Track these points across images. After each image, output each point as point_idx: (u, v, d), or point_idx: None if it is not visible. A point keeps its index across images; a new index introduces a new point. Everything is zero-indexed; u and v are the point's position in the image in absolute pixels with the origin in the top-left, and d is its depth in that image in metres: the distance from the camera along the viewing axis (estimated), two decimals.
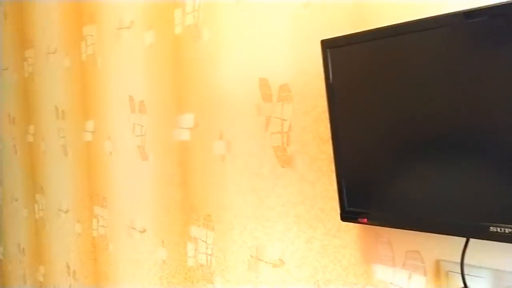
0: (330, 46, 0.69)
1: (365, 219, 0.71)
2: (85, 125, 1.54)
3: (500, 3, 0.53)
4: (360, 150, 0.70)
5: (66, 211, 1.71)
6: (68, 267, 1.73)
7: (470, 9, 0.56)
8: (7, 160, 2.14)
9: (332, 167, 0.84)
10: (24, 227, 2.04)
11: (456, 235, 0.64)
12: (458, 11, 0.57)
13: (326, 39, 0.70)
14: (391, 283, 0.78)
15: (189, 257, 1.19)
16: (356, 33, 0.68)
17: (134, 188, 1.35)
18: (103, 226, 1.51)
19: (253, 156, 1.00)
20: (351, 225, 0.83)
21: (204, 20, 1.08)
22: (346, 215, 0.73)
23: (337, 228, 0.85)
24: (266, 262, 0.99)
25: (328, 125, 0.76)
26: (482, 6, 0.55)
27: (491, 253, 0.66)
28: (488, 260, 0.66)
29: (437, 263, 0.72)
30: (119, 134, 1.39)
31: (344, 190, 0.73)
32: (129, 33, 1.31)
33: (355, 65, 0.68)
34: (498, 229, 0.57)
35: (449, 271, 0.71)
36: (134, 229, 1.37)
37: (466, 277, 0.68)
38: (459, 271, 0.69)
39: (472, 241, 0.66)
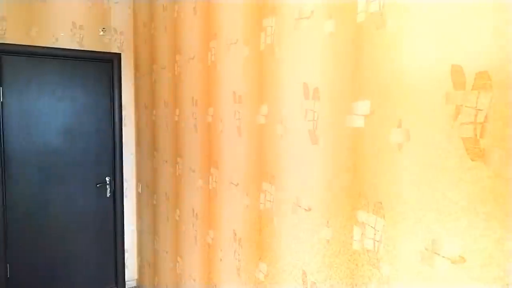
0: None
1: None
2: (259, 109, 1.70)
3: None
4: None
5: (237, 185, 1.92)
6: (235, 234, 1.95)
7: None
8: (188, 137, 2.50)
9: None
10: (199, 195, 2.36)
11: None
12: None
13: None
14: None
15: (355, 240, 1.22)
16: None
17: (302, 168, 1.44)
18: (270, 201, 1.65)
19: (436, 147, 0.97)
20: None
21: (390, 7, 1.08)
22: None
23: None
24: (443, 256, 0.96)
25: None
26: None
27: None
28: None
29: None
30: (291, 118, 1.49)
31: None
32: (308, 23, 1.38)
33: None
34: None
35: None
36: (300, 207, 1.46)
37: None
38: None
39: None
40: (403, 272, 1.07)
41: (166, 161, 2.95)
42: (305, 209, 1.44)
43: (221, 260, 2.11)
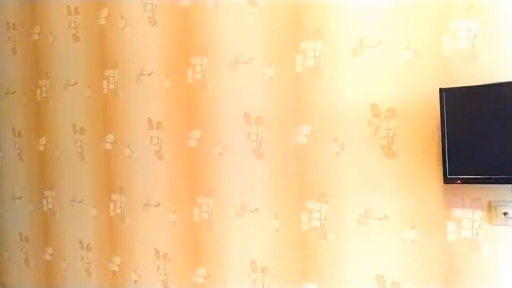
0: (445, 92, 1.34)
1: (459, 181, 1.36)
2: (189, 133, 1.96)
3: None
4: (459, 148, 1.35)
5: (157, 205, 2.07)
6: (158, 251, 2.08)
7: None
8: (67, 167, 2.36)
9: (425, 158, 1.48)
10: (91, 225, 2.29)
11: (508, 183, 1.32)
12: None
13: (444, 88, 1.35)
14: (463, 217, 1.45)
15: (304, 223, 1.72)
16: (464, 86, 1.33)
17: (246, 179, 1.83)
18: (206, 212, 1.93)
19: (363, 152, 1.60)
20: (436, 188, 1.47)
21: (325, 65, 1.65)
22: (448, 180, 1.38)
23: (426, 191, 1.49)
24: (373, 218, 1.59)
25: (424, 133, 1.41)
26: None
27: None
28: None
29: (489, 203, 1.41)
30: (231, 140, 1.85)
31: (447, 166, 1.37)
32: (248, 67, 1.80)
33: (460, 102, 1.33)
34: None
35: (497, 205, 1.40)
36: (245, 210, 1.84)
37: (504, 207, 1.38)
38: (502, 205, 1.38)
39: (502, 188, 1.35)
40: (345, 236, 1.65)
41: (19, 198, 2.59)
42: (251, 211, 1.83)
43: (135, 281, 2.16)
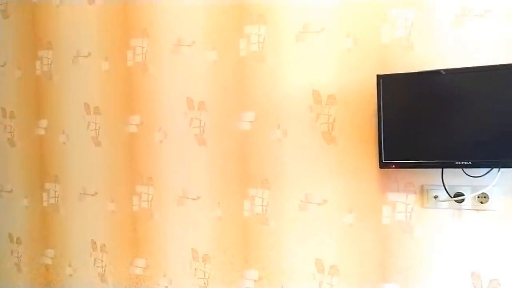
0: (382, 78, 1.37)
1: (394, 166, 1.41)
2: (128, 119, 1.87)
3: None
4: (394, 133, 1.39)
5: (94, 194, 1.96)
6: (95, 242, 1.98)
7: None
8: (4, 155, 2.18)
9: (363, 143, 1.52)
10: (22, 216, 2.13)
11: (439, 167, 1.38)
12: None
13: (381, 74, 1.38)
14: (397, 201, 1.50)
15: (246, 210, 1.71)
16: (400, 73, 1.37)
17: (189, 166, 1.78)
18: (146, 201, 1.86)
19: (305, 138, 1.60)
20: (373, 172, 1.51)
21: (268, 50, 1.64)
22: (383, 164, 1.41)
23: (364, 176, 1.53)
24: (313, 203, 1.61)
25: (361, 119, 1.45)
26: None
27: (447, 177, 1.42)
28: (446, 181, 1.42)
29: (422, 186, 1.47)
30: (173, 126, 1.79)
31: (383, 151, 1.41)
32: (190, 50, 1.75)
33: (396, 89, 1.37)
34: (459, 163, 1.33)
35: (428, 189, 1.46)
36: (187, 198, 1.79)
37: (435, 191, 1.44)
38: (433, 188, 1.44)
39: (434, 172, 1.42)
40: (286, 221, 1.65)
41: None
42: (193, 199, 1.79)
43: (70, 275, 2.04)
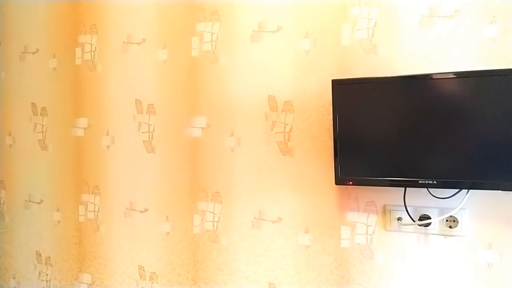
0: (338, 84, 1.21)
1: (351, 182, 1.25)
2: (74, 122, 1.72)
3: None
4: (351, 146, 1.23)
5: (40, 202, 1.81)
6: (39, 254, 1.83)
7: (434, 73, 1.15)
8: None
9: (320, 156, 1.36)
10: None
11: (401, 186, 1.21)
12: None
13: (336, 79, 1.22)
14: (357, 221, 1.34)
15: (196, 226, 1.55)
16: (357, 78, 1.21)
17: (136, 175, 1.62)
18: (93, 211, 1.71)
19: (260, 148, 1.45)
20: (332, 189, 1.35)
21: (222, 50, 1.48)
22: (339, 180, 1.25)
23: (322, 192, 1.37)
24: (267, 220, 1.45)
25: (319, 129, 1.29)
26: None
27: (412, 197, 1.26)
28: (410, 201, 1.26)
29: (384, 206, 1.31)
30: (121, 131, 1.64)
31: (339, 166, 1.25)
32: (139, 48, 1.60)
33: (353, 96, 1.21)
34: (423, 181, 1.16)
35: (391, 210, 1.30)
36: (134, 210, 1.64)
37: (398, 212, 1.28)
38: (396, 209, 1.28)
39: (397, 191, 1.26)
40: (238, 239, 1.49)
41: None
42: (141, 211, 1.63)
43: None
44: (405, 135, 1.19)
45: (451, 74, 1.14)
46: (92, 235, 1.72)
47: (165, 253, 1.59)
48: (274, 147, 1.43)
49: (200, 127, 1.53)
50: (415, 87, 1.17)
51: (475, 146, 1.12)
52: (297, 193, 1.41)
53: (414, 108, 1.17)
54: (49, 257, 1.81)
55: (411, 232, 1.28)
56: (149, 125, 1.60)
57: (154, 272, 1.62)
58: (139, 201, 1.63)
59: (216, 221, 1.52)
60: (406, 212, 1.24)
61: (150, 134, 1.60)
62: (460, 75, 1.13)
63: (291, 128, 1.41)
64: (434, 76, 1.15)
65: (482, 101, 1.11)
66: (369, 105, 1.21)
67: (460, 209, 1.18)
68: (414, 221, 1.24)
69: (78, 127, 1.72)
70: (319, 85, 1.35)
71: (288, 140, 1.41)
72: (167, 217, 1.59)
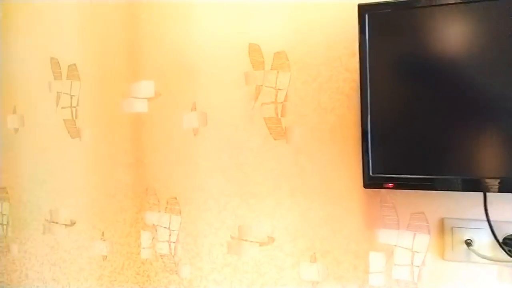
0: (371, 10, 0.68)
1: (391, 184, 0.73)
2: None
3: None
4: (393, 125, 0.71)
5: None
6: None
7: None
8: None
9: (335, 140, 0.83)
10: None
11: (478, 191, 0.70)
12: None
13: (367, 3, 0.68)
14: (396, 245, 0.83)
15: (143, 248, 1.03)
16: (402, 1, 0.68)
17: (58, 173, 1.09)
18: (1, 224, 1.18)
19: (238, 129, 0.92)
20: (355, 193, 0.84)
21: None
22: (370, 181, 0.73)
23: (338, 199, 0.85)
24: (250, 241, 0.93)
25: (332, 96, 0.76)
26: None
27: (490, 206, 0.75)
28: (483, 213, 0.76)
29: (441, 221, 0.79)
30: (34, 106, 1.10)
31: (370, 158, 0.73)
32: None
33: (394, 33, 0.68)
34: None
35: (454, 226, 0.78)
36: (57, 223, 1.11)
37: (467, 230, 0.77)
38: (463, 226, 0.77)
39: (464, 198, 0.75)
40: (208, 270, 0.98)
41: None
42: (66, 224, 1.10)
43: None
44: (492, 104, 0.66)
45: None
46: (2, 258, 1.19)
47: (102, 286, 1.08)
48: (261, 126, 0.90)
49: (145, 98, 0.99)
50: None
51: None
52: (297, 199, 0.89)
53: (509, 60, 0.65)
54: None
55: (488, 264, 0.77)
56: (71, 96, 1.06)
57: None
58: (62, 209, 1.10)
59: (173, 242, 1.00)
60: (489, 230, 0.73)
61: (73, 109, 1.06)
62: None
63: (286, 96, 0.88)
64: None
65: None
66: (430, 50, 0.68)
67: None
68: (501, 246, 0.73)
69: None
70: (331, 21, 0.81)
71: (281, 116, 0.88)
72: (103, 233, 1.07)
